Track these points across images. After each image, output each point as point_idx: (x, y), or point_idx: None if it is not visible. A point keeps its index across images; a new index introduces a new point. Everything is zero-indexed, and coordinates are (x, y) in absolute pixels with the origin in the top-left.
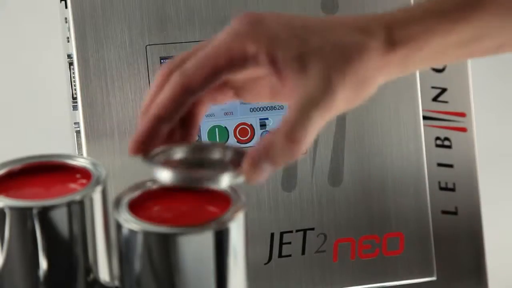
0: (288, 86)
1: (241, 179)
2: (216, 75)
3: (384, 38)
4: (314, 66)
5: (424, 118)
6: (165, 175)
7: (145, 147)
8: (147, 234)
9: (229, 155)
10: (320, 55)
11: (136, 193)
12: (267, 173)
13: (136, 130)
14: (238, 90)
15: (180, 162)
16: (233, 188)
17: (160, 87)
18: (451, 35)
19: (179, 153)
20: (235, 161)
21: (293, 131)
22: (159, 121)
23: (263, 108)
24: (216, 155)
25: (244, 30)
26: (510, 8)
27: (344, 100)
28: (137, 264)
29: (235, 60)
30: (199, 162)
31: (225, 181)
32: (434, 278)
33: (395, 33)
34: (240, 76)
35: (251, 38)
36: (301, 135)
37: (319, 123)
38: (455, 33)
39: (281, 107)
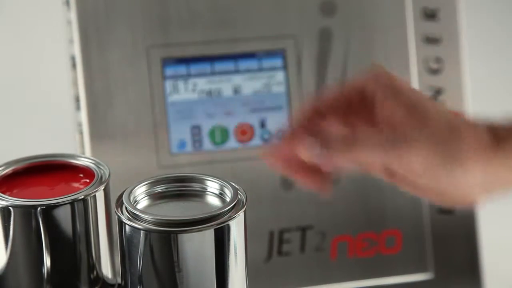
0: None
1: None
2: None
3: (486, 132)
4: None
5: None
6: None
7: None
8: (148, 232)
9: (209, 186)
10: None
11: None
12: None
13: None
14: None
15: (162, 195)
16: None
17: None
18: None
19: (160, 186)
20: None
21: None
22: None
23: (263, 108)
24: (196, 186)
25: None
26: None
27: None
28: (139, 261)
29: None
30: (180, 193)
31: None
32: (431, 276)
33: (499, 132)
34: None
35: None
36: None
37: None
38: None
39: (281, 107)
